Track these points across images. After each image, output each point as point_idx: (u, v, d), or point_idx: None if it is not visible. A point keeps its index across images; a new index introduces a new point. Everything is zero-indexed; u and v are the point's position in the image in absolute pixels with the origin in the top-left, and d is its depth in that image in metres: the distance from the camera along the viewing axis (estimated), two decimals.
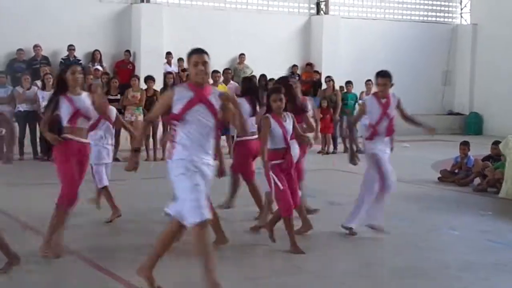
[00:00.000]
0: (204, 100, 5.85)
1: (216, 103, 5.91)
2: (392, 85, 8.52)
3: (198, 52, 5.92)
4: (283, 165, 7.56)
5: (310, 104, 9.53)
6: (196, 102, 5.82)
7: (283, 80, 9.57)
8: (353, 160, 8.53)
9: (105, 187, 9.32)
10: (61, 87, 7.36)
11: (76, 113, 7.26)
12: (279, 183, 7.50)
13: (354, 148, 8.84)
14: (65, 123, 7.28)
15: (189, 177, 5.69)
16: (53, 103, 7.32)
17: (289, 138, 7.67)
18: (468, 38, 25.99)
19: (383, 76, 8.51)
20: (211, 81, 16.96)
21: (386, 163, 8.43)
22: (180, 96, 5.86)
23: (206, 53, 5.94)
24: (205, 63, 5.89)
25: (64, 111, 7.27)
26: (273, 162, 7.52)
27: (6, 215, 9.48)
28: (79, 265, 7.14)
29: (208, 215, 5.71)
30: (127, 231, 8.64)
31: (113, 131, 9.86)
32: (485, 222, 9.78)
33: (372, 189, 8.44)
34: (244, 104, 8.76)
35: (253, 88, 9.48)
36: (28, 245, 7.57)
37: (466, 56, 26.04)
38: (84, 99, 7.39)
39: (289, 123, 7.74)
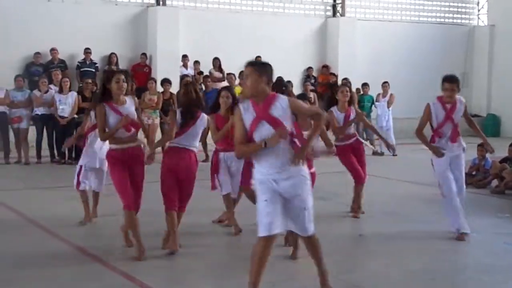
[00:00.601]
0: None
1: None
2: (459, 90, 8.46)
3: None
4: None
5: (353, 115, 9.76)
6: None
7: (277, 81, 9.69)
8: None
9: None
10: (106, 96, 7.32)
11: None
12: None
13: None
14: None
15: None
16: (103, 112, 7.28)
17: None
18: (485, 39, 25.86)
19: (451, 81, 8.39)
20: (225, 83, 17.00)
21: (443, 169, 8.41)
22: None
23: (249, 65, 5.71)
24: (246, 77, 5.69)
25: (112, 122, 7.29)
26: None
27: (23, 217, 9.53)
28: (95, 267, 7.17)
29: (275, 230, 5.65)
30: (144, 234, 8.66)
31: None
32: (503, 224, 9.71)
33: (451, 190, 8.41)
34: None
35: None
36: (43, 247, 7.60)
37: (483, 57, 25.90)
38: (129, 107, 7.45)
39: None
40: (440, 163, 8.40)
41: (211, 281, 6.76)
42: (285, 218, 5.70)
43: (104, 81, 7.46)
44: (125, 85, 7.34)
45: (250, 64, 5.69)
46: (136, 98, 7.94)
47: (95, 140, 8.84)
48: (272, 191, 5.63)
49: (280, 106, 5.61)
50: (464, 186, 8.66)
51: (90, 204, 9.27)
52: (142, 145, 7.62)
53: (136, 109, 7.58)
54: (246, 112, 5.65)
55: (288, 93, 9.60)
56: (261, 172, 5.70)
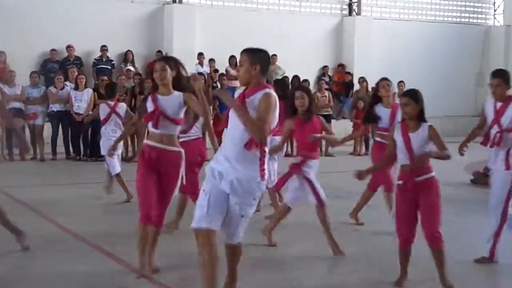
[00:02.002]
0: None
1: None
2: (509, 87, 7.42)
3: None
4: None
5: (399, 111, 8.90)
6: None
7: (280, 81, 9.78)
8: None
9: (118, 174, 10.49)
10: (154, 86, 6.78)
11: (157, 114, 6.48)
12: None
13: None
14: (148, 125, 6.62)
15: None
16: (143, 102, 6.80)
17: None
18: (501, 39, 25.75)
19: (494, 75, 7.41)
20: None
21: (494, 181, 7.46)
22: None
23: (244, 52, 5.39)
24: (240, 63, 5.45)
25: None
26: None
27: (38, 214, 9.58)
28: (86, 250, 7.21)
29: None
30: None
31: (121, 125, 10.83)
32: None
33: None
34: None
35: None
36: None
37: (499, 57, 25.76)
38: (173, 99, 6.54)
39: None
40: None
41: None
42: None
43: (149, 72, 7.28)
44: (164, 72, 6.56)
45: (245, 51, 5.40)
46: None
47: (106, 130, 10.73)
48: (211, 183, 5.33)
49: (256, 99, 5.20)
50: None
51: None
52: (178, 150, 6.59)
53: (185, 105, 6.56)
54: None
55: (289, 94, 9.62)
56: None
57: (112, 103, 10.96)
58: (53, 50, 18.21)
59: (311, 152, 7.71)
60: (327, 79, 21.55)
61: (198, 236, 5.22)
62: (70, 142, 15.80)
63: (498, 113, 7.32)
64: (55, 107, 15.77)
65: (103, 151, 10.61)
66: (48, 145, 15.67)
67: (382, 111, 8.87)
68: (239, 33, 20.43)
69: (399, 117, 7.74)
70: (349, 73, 21.96)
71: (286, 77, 18.27)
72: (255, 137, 5.11)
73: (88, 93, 15.61)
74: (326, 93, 18.50)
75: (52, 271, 6.78)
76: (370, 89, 19.06)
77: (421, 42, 24.09)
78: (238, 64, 5.50)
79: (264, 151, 5.28)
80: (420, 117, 6.26)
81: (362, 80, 18.85)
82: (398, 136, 6.29)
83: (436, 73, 23.33)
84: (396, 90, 18.95)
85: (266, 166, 5.34)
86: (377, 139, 9.00)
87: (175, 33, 19.90)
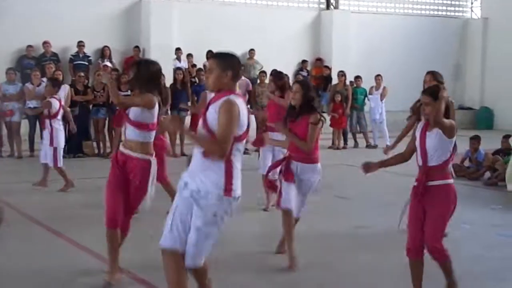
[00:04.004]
0: None
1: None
2: None
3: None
4: None
5: None
6: None
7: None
8: None
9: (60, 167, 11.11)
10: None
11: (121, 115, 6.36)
12: None
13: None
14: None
15: None
16: None
17: None
18: (478, 32, 25.90)
19: None
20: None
21: None
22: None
23: (213, 57, 5.11)
24: (209, 70, 5.06)
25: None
26: None
27: (16, 211, 9.51)
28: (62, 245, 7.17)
29: None
30: None
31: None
32: (496, 215, 9.76)
33: None
34: None
35: None
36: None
37: (476, 50, 25.94)
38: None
39: None
40: None
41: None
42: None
43: None
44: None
45: (214, 56, 5.09)
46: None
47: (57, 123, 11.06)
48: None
49: (216, 107, 4.86)
50: None
51: None
52: (143, 157, 6.22)
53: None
54: None
55: (284, 84, 9.60)
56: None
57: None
58: (29, 46, 18.09)
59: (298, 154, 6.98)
60: (305, 73, 21.56)
61: (163, 256, 4.96)
62: None
63: None
64: (32, 104, 15.62)
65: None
66: (26, 142, 15.56)
67: None
68: (217, 27, 20.41)
69: None
70: (327, 67, 21.97)
71: (263, 71, 18.27)
72: (214, 156, 4.79)
73: (65, 90, 15.46)
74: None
75: (26, 267, 6.77)
76: (348, 83, 19.12)
77: (399, 36, 24.18)
78: (207, 70, 5.07)
79: (231, 163, 4.87)
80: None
81: (342, 74, 18.87)
82: (417, 134, 5.85)
83: (414, 66, 23.31)
84: (374, 84, 19.07)
85: (236, 182, 4.89)
86: None
87: (152, 28, 19.84)
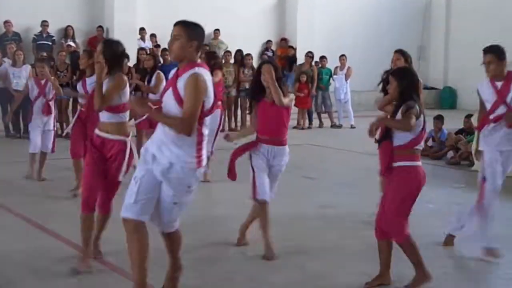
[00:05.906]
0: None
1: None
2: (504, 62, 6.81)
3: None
4: None
5: None
6: None
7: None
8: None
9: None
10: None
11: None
12: None
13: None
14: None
15: None
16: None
17: None
18: (441, 12, 26.04)
19: (486, 51, 6.86)
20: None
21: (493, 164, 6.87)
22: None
23: (180, 24, 4.92)
24: (174, 37, 4.93)
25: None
26: None
27: None
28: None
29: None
30: None
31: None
32: (459, 194, 9.88)
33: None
34: None
35: None
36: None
37: (440, 31, 26.11)
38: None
39: None
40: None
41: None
42: None
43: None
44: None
45: (182, 23, 4.91)
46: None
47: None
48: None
49: (184, 80, 4.78)
50: None
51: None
52: (120, 138, 6.12)
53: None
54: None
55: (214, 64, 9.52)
56: None
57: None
58: None
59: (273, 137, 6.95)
60: (270, 53, 21.52)
61: (126, 225, 4.93)
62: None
63: (501, 93, 6.83)
64: None
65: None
66: None
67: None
68: (181, 7, 20.21)
69: None
70: (292, 47, 21.96)
71: (228, 51, 18.25)
72: (180, 132, 4.76)
73: (26, 70, 15.28)
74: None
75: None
76: (313, 63, 19.16)
77: (364, 16, 24.22)
78: (172, 36, 4.92)
79: (202, 135, 4.89)
80: None
81: (311, 55, 18.92)
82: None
83: (378, 46, 23.44)
84: (339, 64, 19.13)
85: (204, 152, 4.94)
86: None
87: (116, 8, 19.61)
